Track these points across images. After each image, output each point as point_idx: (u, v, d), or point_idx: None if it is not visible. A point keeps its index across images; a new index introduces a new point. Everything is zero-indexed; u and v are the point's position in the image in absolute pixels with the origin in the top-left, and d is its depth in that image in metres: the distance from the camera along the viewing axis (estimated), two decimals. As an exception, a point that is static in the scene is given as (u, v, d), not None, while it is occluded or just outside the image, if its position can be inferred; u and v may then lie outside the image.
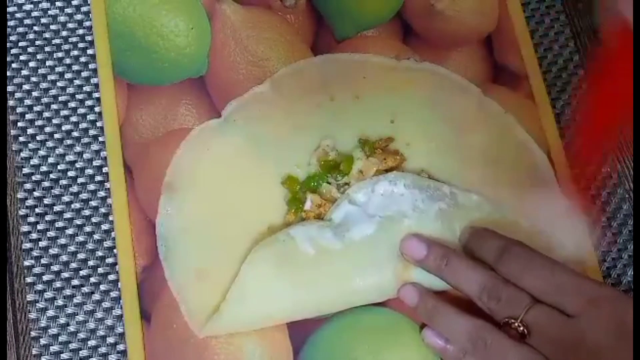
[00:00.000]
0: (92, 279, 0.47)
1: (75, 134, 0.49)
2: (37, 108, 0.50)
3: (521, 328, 0.41)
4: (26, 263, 0.46)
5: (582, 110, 0.51)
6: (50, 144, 0.49)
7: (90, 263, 0.47)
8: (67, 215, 0.48)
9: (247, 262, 0.45)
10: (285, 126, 0.49)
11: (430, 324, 0.45)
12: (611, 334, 0.40)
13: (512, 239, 0.45)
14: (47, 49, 0.51)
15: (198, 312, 0.45)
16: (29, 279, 0.46)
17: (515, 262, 0.43)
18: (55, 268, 0.47)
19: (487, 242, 0.45)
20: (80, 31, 0.51)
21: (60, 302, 0.46)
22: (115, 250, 0.47)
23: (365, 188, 0.47)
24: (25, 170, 0.48)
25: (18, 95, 0.50)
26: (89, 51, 0.51)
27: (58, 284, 0.46)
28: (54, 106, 0.50)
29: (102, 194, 0.48)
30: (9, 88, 0.50)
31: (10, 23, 0.51)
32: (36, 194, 0.48)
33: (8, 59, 0.50)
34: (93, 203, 0.48)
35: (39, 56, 0.51)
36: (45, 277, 0.46)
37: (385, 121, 0.50)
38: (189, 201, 0.47)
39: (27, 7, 0.51)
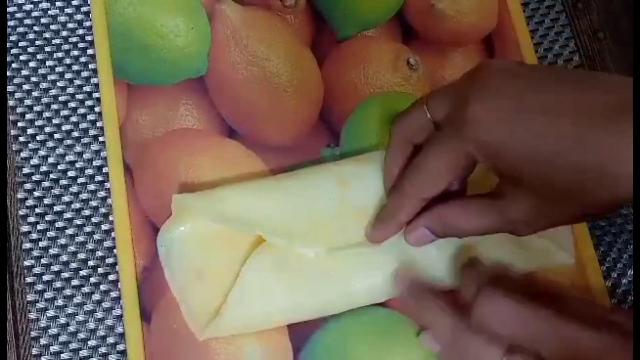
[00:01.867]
0: (92, 279, 0.47)
1: (75, 134, 0.49)
2: (37, 108, 0.50)
3: None
4: (26, 263, 0.47)
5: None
6: (50, 144, 0.49)
7: (90, 263, 0.47)
8: (67, 215, 0.48)
9: (247, 264, 0.45)
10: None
11: (414, 317, 0.45)
12: None
13: (495, 277, 0.43)
14: (47, 49, 0.51)
15: (198, 313, 0.45)
16: (29, 279, 0.46)
17: (490, 307, 0.41)
18: (55, 268, 0.47)
19: (468, 277, 0.44)
20: (80, 31, 0.51)
21: (60, 302, 0.46)
22: (115, 251, 0.47)
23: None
24: (25, 170, 0.48)
25: (18, 95, 0.50)
26: (89, 51, 0.51)
27: (58, 284, 0.46)
28: (54, 106, 0.50)
29: (102, 194, 0.48)
30: (9, 88, 0.50)
31: (10, 23, 0.51)
32: (36, 194, 0.48)
33: (8, 59, 0.50)
34: (93, 203, 0.48)
35: (39, 56, 0.51)
36: (45, 277, 0.46)
37: None
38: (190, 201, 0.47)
39: (27, 7, 0.51)
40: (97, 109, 0.50)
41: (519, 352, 0.39)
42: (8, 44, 0.50)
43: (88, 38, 0.51)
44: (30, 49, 0.51)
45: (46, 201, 0.48)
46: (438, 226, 0.43)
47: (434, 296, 0.43)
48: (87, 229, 0.47)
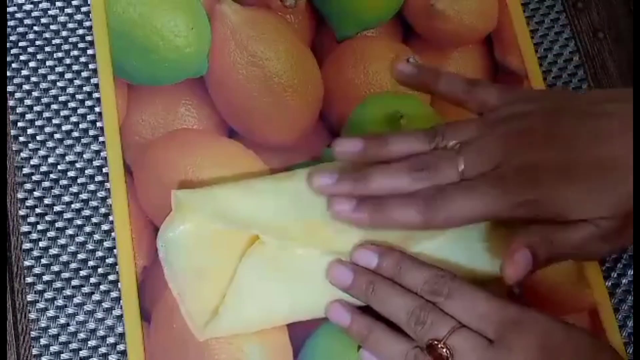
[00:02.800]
0: (92, 279, 0.47)
1: (75, 134, 0.49)
2: (37, 108, 0.50)
3: (444, 350, 0.40)
4: (26, 263, 0.47)
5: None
6: (50, 144, 0.49)
7: (91, 263, 0.47)
8: (67, 215, 0.48)
9: (242, 263, 0.45)
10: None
11: (363, 345, 0.44)
12: (533, 357, 0.39)
13: (436, 268, 0.43)
14: (47, 49, 0.51)
15: (198, 314, 0.45)
16: (29, 279, 0.46)
17: (439, 293, 0.42)
18: (55, 268, 0.47)
19: (411, 272, 0.43)
20: (80, 31, 0.51)
21: (60, 302, 0.46)
22: (115, 251, 0.47)
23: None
24: (25, 170, 0.48)
25: (18, 95, 0.50)
26: (89, 51, 0.51)
27: (58, 284, 0.46)
28: (54, 106, 0.50)
29: (102, 194, 0.48)
30: (9, 88, 0.50)
31: (10, 23, 0.51)
32: (36, 194, 0.48)
33: (8, 59, 0.50)
34: (93, 203, 0.48)
35: (39, 56, 0.51)
36: (45, 278, 0.46)
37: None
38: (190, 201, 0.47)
39: (27, 7, 0.51)
40: (97, 109, 0.50)
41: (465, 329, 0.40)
42: (8, 44, 0.50)
43: (88, 38, 0.51)
44: (30, 49, 0.51)
45: (46, 201, 0.48)
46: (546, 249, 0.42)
47: (380, 324, 0.43)
48: (87, 229, 0.47)
